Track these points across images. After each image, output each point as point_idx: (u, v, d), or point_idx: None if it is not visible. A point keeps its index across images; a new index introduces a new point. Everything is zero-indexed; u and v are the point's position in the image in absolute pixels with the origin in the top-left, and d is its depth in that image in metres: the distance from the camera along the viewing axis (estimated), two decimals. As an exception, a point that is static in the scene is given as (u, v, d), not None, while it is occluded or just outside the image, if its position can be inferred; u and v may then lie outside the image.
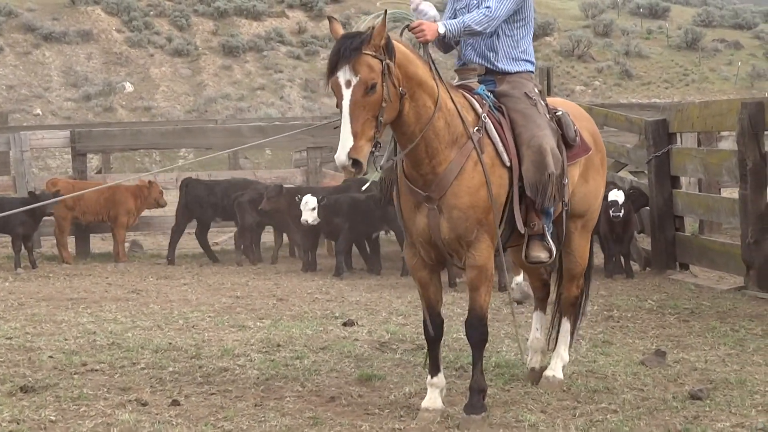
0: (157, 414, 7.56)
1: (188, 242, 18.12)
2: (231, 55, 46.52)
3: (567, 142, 7.62)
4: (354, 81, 6.59)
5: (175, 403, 7.78)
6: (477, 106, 7.24)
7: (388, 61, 6.67)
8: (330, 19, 7.04)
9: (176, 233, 16.35)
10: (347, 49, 6.62)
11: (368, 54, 6.61)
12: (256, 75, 45.60)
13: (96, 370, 8.82)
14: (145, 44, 45.71)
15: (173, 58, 45.62)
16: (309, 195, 14.03)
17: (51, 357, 9.27)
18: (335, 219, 14.32)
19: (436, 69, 7.09)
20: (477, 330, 7.24)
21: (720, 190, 16.81)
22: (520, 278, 11.66)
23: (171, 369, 8.79)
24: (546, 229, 7.34)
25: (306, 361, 8.88)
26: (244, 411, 7.57)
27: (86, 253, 16.87)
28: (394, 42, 6.79)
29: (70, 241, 17.03)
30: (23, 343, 9.83)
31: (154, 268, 15.66)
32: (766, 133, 11.92)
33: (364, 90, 6.59)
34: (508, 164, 7.16)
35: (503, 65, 7.70)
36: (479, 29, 7.38)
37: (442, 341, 7.60)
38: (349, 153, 6.53)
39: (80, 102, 42.51)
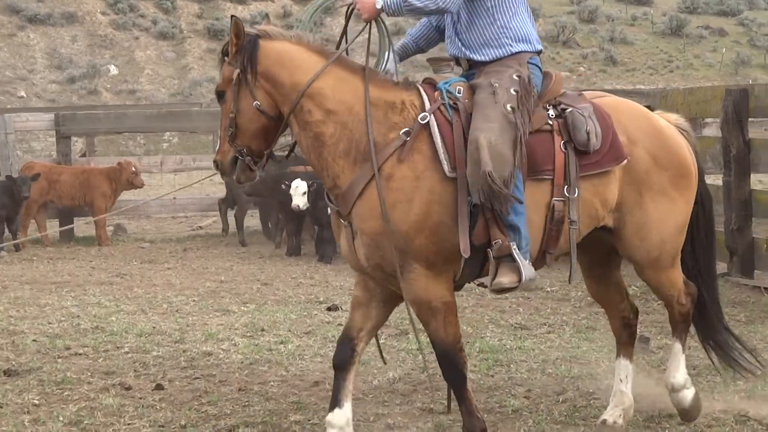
0: (140, 398, 7.56)
1: (172, 226, 18.11)
2: (216, 39, 46.34)
3: (577, 147, 6.18)
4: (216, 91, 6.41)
5: (159, 387, 7.80)
6: (427, 105, 6.09)
7: (238, 70, 6.14)
8: (232, 18, 6.33)
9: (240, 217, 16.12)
10: (218, 54, 6.48)
11: (226, 61, 6.27)
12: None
13: (80, 354, 8.83)
14: (130, 27, 45.61)
15: (158, 41, 45.51)
16: (299, 180, 13.92)
17: (34, 341, 9.26)
18: (322, 204, 14.27)
19: (367, 66, 6.20)
20: (447, 367, 6.20)
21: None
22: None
23: (155, 353, 8.79)
24: (515, 247, 5.91)
25: (290, 346, 8.88)
26: (228, 395, 7.59)
27: (70, 237, 16.80)
28: (271, 46, 6.16)
29: (53, 224, 16.99)
30: (6, 327, 9.84)
31: (138, 252, 15.59)
32: (750, 119, 11.95)
33: (218, 97, 6.35)
34: (449, 174, 5.92)
35: (473, 54, 6.42)
36: (420, 5, 6.13)
37: (349, 375, 6.37)
38: (216, 154, 6.38)
39: (65, 84, 42.37)
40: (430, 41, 6.81)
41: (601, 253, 6.84)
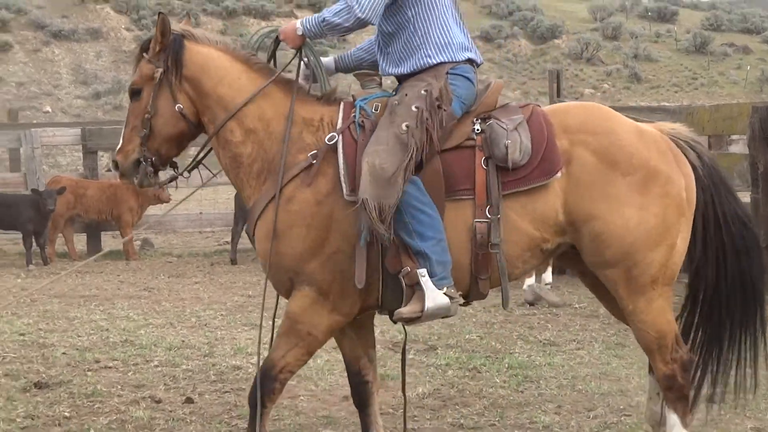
0: (171, 411, 7.57)
1: (199, 241, 18.14)
2: (240, 55, 46.57)
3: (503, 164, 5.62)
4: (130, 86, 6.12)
5: (189, 400, 7.79)
6: (339, 123, 5.79)
7: (161, 69, 5.92)
8: (160, 14, 6.13)
9: (236, 234, 16.08)
10: (137, 50, 6.25)
11: (145, 58, 6.01)
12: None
13: (109, 367, 8.83)
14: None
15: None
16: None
17: (64, 353, 9.28)
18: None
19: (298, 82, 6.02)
20: (260, 381, 5.84)
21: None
22: (531, 280, 11.66)
23: (184, 367, 8.79)
24: (422, 274, 5.46)
25: (319, 361, 8.84)
26: (258, 409, 7.58)
27: (97, 251, 16.86)
28: (197, 50, 5.97)
29: (82, 239, 17.04)
30: (36, 339, 9.85)
31: (166, 266, 15.61)
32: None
33: (131, 95, 6.05)
34: (347, 197, 5.57)
35: (393, 68, 5.99)
36: (339, 21, 5.73)
37: (373, 410, 6.28)
38: (115, 153, 6.10)
39: (90, 100, 42.53)
40: (373, 53, 6.30)
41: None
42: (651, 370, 6.21)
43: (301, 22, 5.95)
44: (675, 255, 5.75)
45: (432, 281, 5.49)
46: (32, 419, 7.35)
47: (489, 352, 9.26)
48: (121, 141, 6.02)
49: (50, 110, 40.54)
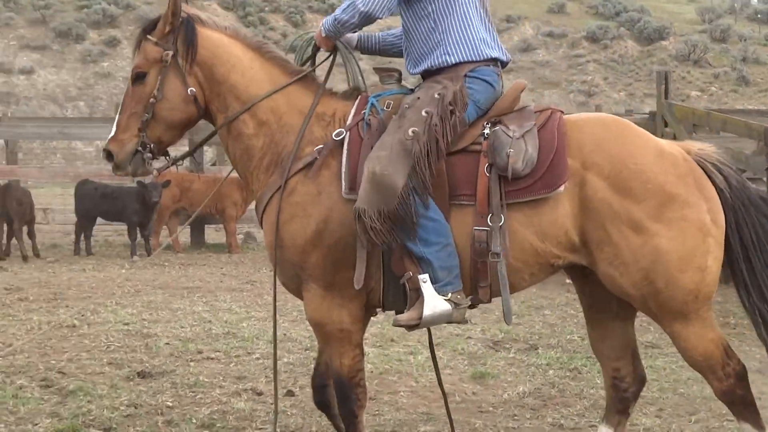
0: (272, 404, 7.60)
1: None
2: (344, 51, 46.79)
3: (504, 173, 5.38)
4: (133, 68, 5.83)
5: (290, 393, 7.84)
6: (349, 119, 5.66)
7: (170, 52, 5.70)
8: None
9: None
10: (138, 32, 5.90)
11: (150, 40, 5.75)
12: (369, 72, 45.67)
13: (211, 359, 8.91)
14: (259, 40, 46.17)
15: (288, 54, 45.92)
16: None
17: (167, 344, 9.38)
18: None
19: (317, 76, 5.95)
20: (339, 398, 5.78)
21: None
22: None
23: (285, 360, 8.83)
24: (424, 280, 5.31)
25: (420, 357, 8.86)
26: (358, 404, 7.60)
27: (201, 243, 17.06)
28: (208, 35, 5.80)
29: (185, 232, 17.24)
30: (140, 329, 9.98)
31: (268, 260, 15.65)
32: None
33: (134, 79, 5.76)
34: (346, 195, 5.44)
35: (411, 67, 5.79)
36: (346, 17, 5.62)
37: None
38: (107, 143, 5.76)
39: (196, 95, 43.05)
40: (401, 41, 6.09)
41: (602, 296, 5.84)
42: (603, 419, 6.11)
43: (322, 23, 5.84)
44: (707, 276, 5.40)
45: (435, 287, 5.32)
46: (135, 408, 7.43)
47: (590, 353, 9.15)
48: (114, 129, 5.75)
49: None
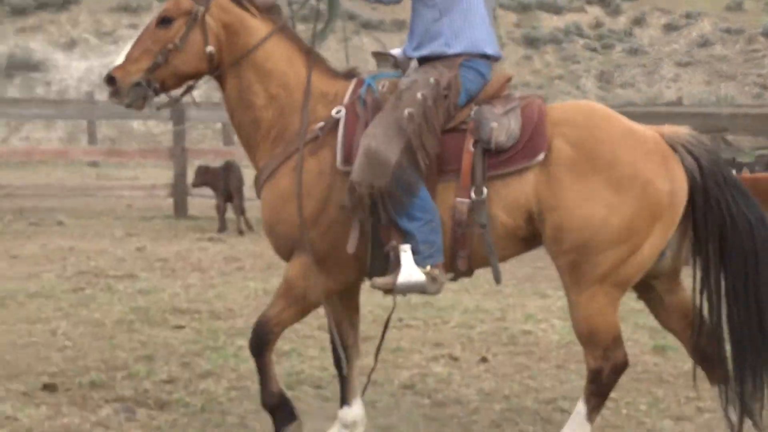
0: (467, 369, 7.65)
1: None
2: (532, 46, 46.34)
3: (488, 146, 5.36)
4: (160, 13, 5.67)
5: (484, 359, 7.88)
6: (346, 98, 5.62)
7: (202, 8, 5.59)
8: None
9: None
10: None
11: None
12: (554, 65, 45.30)
13: (411, 326, 9.00)
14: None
15: None
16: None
17: (371, 312, 9.48)
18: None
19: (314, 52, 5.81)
20: (254, 338, 5.69)
21: None
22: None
23: (478, 329, 8.87)
24: (405, 251, 5.29)
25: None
26: (547, 371, 7.61)
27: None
28: (231, 5, 5.69)
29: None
30: (346, 299, 10.10)
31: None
32: None
33: (159, 20, 5.60)
34: (341, 166, 5.43)
35: (411, 50, 5.75)
36: None
37: (353, 372, 6.19)
38: (112, 69, 5.60)
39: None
40: None
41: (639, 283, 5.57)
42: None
43: None
44: (635, 258, 5.23)
45: (415, 258, 5.28)
46: (343, 368, 7.58)
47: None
48: (124, 58, 5.60)
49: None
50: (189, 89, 5.83)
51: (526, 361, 7.79)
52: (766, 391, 5.41)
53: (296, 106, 5.62)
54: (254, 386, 7.01)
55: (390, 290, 5.40)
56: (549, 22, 48.04)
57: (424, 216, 5.31)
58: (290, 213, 5.46)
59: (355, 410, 5.99)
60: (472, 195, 5.32)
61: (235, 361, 7.61)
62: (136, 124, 32.55)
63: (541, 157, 5.28)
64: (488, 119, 5.35)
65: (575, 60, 45.53)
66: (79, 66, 36.52)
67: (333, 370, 7.45)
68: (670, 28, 44.81)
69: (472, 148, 5.37)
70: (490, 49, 5.65)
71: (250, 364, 7.47)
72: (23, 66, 35.84)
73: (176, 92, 5.83)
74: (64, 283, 10.59)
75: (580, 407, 5.40)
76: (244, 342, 8.01)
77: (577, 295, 5.30)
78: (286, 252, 5.64)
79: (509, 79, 5.70)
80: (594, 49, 46.10)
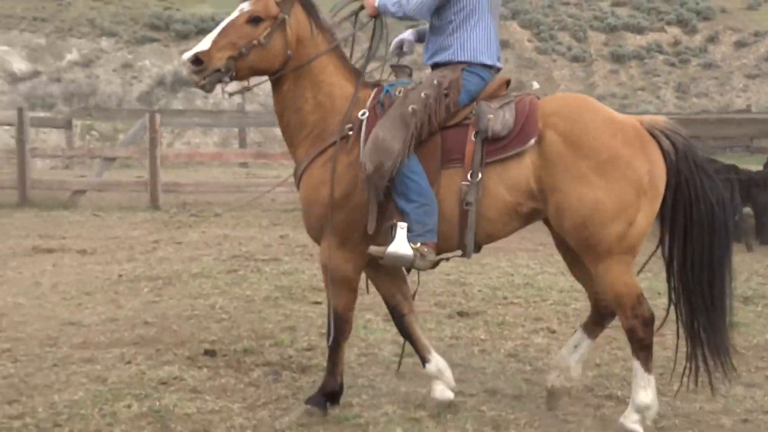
0: (563, 340, 7.55)
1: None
2: (618, 62, 45.65)
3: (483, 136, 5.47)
4: (246, 8, 5.63)
5: (577, 332, 7.79)
6: (369, 102, 5.74)
7: (285, 16, 5.63)
8: None
9: None
10: None
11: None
12: (637, 78, 44.53)
13: (515, 303, 8.94)
14: (549, 52, 45.54)
15: (571, 63, 45.21)
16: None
17: (479, 290, 9.48)
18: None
19: (361, 65, 5.92)
20: (332, 328, 5.77)
21: None
22: None
23: (573, 306, 8.78)
24: (401, 228, 5.41)
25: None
26: (632, 344, 7.48)
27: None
28: (305, 19, 5.75)
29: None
30: (458, 279, 10.09)
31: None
32: None
33: (248, 18, 5.59)
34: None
35: (426, 58, 5.87)
36: (394, 10, 5.75)
37: (418, 333, 6.07)
38: (197, 51, 5.53)
39: (499, 96, 43.10)
40: None
41: None
42: (583, 327, 5.96)
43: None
44: (633, 229, 5.28)
45: (409, 235, 5.40)
46: (456, 339, 7.57)
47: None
48: (209, 44, 5.54)
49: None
50: (260, 83, 5.90)
51: (614, 333, 7.63)
52: (716, 343, 5.53)
53: (337, 111, 5.72)
54: (381, 353, 7.08)
55: (380, 258, 5.48)
56: (633, 41, 47.21)
57: (419, 199, 5.41)
58: (324, 196, 5.57)
59: (434, 362, 5.98)
60: (469, 178, 5.43)
61: (364, 331, 7.65)
62: (279, 131, 32.89)
63: (532, 141, 5.38)
64: (486, 112, 5.47)
65: (656, 74, 44.74)
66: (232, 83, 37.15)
67: (447, 340, 7.49)
68: (740, 44, 43.72)
69: (473, 139, 5.48)
70: (488, 60, 5.73)
71: (377, 334, 7.56)
72: (186, 82, 36.52)
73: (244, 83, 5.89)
74: (220, 265, 10.74)
75: (636, 365, 5.42)
76: (371, 315, 8.09)
77: (595, 267, 5.38)
78: (317, 232, 5.70)
79: (508, 82, 5.78)
80: (672, 64, 45.24)
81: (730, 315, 5.58)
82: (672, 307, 5.64)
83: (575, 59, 45.79)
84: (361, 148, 5.53)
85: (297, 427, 5.57)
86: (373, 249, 5.50)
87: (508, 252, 12.22)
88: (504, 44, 45.14)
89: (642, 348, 5.40)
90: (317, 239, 5.75)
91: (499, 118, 5.45)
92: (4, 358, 6.92)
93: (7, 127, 24.05)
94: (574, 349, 5.90)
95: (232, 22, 5.62)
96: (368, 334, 7.61)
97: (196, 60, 5.51)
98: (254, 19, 5.60)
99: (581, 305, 8.77)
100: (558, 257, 11.56)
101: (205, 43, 5.55)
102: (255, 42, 5.56)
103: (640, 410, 5.40)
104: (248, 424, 5.61)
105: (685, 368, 5.59)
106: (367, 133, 5.55)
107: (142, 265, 10.86)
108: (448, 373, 5.97)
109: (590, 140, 5.32)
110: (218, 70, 5.52)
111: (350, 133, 5.64)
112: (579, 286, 9.50)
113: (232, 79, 5.61)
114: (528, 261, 11.48)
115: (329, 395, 5.81)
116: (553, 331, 7.85)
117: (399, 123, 5.45)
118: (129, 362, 6.84)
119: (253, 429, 5.56)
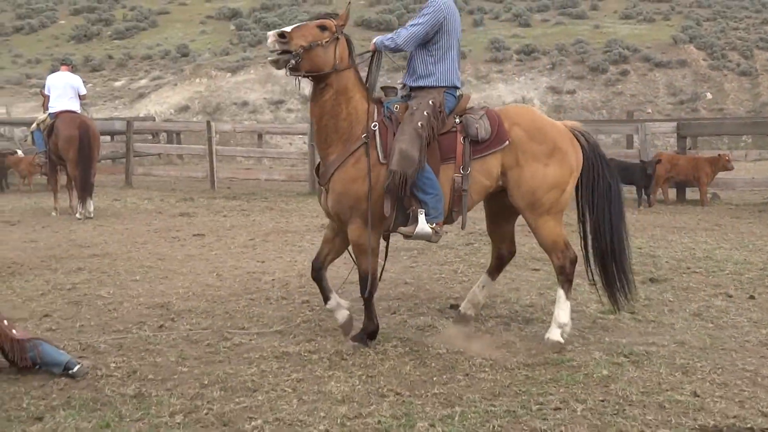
0: (739, 303, 7.13)
1: (749, 196, 16.64)
2: (776, 75, 42.49)
3: (471, 139, 5.87)
4: (319, 20, 5.78)
5: (752, 297, 7.33)
6: (375, 116, 5.86)
7: (338, 35, 5.77)
8: (349, 3, 6.35)
9: None
10: (327, 13, 5.95)
11: (333, 20, 5.81)
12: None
13: (696, 272, 8.48)
14: (721, 68, 42.79)
15: (740, 77, 42.39)
16: None
17: (666, 261, 9.06)
18: None
19: (368, 82, 6.00)
20: (363, 286, 5.87)
21: None
22: None
23: (747, 275, 8.24)
24: (422, 213, 5.73)
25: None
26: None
27: (683, 200, 15.98)
28: (344, 44, 5.85)
29: (672, 192, 16.28)
30: (648, 252, 9.65)
31: (729, 211, 14.17)
32: None
33: (318, 24, 5.73)
34: (382, 160, 5.73)
35: (410, 81, 6.03)
36: (388, 43, 5.92)
37: (325, 282, 6.15)
38: (285, 29, 5.61)
39: (676, 105, 40.82)
40: None
41: (499, 206, 6.35)
42: (487, 273, 6.58)
43: (375, 41, 5.97)
44: (564, 196, 5.93)
45: (426, 218, 5.72)
46: (648, 300, 7.24)
47: None
48: (296, 31, 5.65)
49: (651, 112, 39.55)
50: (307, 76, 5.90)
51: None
52: (625, 273, 6.11)
53: (359, 120, 5.82)
54: (588, 310, 6.87)
55: (408, 236, 5.76)
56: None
57: (433, 191, 5.73)
58: (354, 189, 5.71)
59: (335, 298, 6.16)
60: (461, 171, 5.84)
61: (574, 293, 7.40)
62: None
63: (506, 143, 5.90)
64: (472, 122, 5.89)
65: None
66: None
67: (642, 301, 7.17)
68: None
69: (462, 142, 5.87)
70: (458, 83, 6.06)
71: (585, 295, 7.33)
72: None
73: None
74: (460, 239, 10.78)
75: (560, 293, 5.99)
76: (579, 280, 7.85)
77: (536, 222, 5.93)
78: (345, 218, 5.80)
79: (469, 98, 6.13)
80: None
81: (629, 255, 6.15)
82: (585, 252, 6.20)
83: (743, 74, 42.83)
84: (379, 152, 5.74)
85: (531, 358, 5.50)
86: (403, 229, 5.79)
87: (689, 231, 11.61)
88: (681, 63, 43.03)
89: (567, 281, 5.97)
90: (346, 221, 5.83)
91: (482, 126, 5.89)
92: (304, 308, 7.21)
93: (300, 136, 25.05)
94: (482, 288, 6.53)
95: (306, 23, 5.79)
96: (577, 294, 7.40)
97: (282, 34, 5.59)
98: (322, 27, 5.73)
99: (754, 275, 8.26)
100: (732, 235, 11.00)
101: (287, 28, 5.67)
102: (320, 42, 5.67)
103: (561, 326, 5.91)
104: (486, 363, 5.61)
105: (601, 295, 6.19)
106: (384, 141, 5.76)
107: (400, 239, 10.99)
108: (488, 291, 6.62)
109: (543, 134, 5.93)
110: (289, 52, 5.59)
111: (366, 141, 5.78)
112: (752, 258, 9.12)
113: (295, 65, 5.63)
114: (706, 238, 10.79)
115: (370, 334, 5.97)
116: (730, 296, 7.38)
117: (414, 136, 5.69)
118: (394, 312, 6.96)
119: (490, 366, 5.55)
